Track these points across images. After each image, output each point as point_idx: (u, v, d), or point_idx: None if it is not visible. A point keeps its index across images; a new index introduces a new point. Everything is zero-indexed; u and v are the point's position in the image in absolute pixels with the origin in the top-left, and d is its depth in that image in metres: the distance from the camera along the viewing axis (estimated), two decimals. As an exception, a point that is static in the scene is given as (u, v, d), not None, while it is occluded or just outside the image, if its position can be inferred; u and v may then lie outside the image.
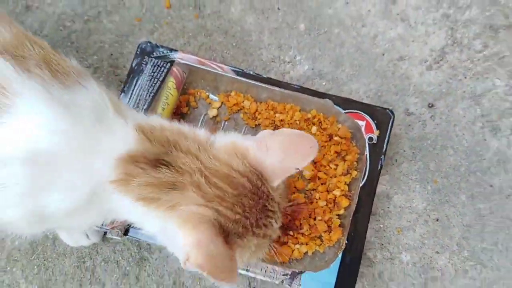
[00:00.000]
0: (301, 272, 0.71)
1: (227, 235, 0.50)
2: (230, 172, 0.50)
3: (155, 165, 0.48)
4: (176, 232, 0.48)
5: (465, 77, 0.88)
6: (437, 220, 0.81)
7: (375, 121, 0.77)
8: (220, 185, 0.49)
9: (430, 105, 0.87)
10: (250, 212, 0.51)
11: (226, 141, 0.53)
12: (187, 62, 0.81)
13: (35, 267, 0.77)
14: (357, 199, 0.74)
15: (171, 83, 0.79)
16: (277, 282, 0.70)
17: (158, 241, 0.65)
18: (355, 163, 0.79)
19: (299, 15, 0.91)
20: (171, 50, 0.81)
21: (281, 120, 0.83)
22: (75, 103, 0.51)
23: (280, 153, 0.54)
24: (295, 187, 0.80)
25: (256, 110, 0.83)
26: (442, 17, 0.91)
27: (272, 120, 0.83)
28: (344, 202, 0.77)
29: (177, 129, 0.53)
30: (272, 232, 0.57)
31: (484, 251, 0.80)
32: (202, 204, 0.48)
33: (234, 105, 0.84)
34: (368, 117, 0.78)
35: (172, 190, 0.48)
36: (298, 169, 0.55)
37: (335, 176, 0.79)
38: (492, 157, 0.84)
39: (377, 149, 0.77)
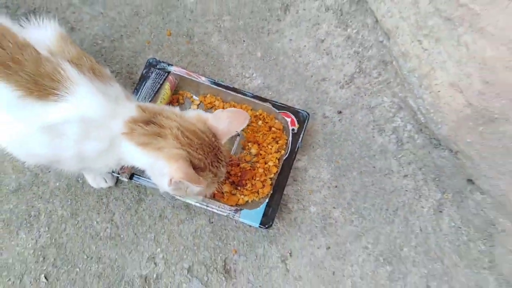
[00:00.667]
0: (241, 209, 1.12)
1: (195, 168, 0.90)
2: (196, 129, 0.90)
3: (148, 123, 0.88)
4: (163, 164, 0.87)
5: (365, 95, 1.31)
6: (336, 187, 1.23)
7: (297, 118, 1.20)
8: (190, 137, 0.89)
9: (339, 112, 1.29)
10: (207, 156, 0.91)
11: (193, 113, 0.95)
12: (179, 73, 1.23)
13: (69, 200, 1.17)
14: (281, 167, 1.16)
15: (167, 86, 1.21)
16: (225, 214, 1.11)
17: (151, 184, 1.06)
18: (284, 145, 1.21)
19: (257, 46, 1.34)
20: (169, 64, 1.23)
21: (239, 115, 1.25)
22: (107, 92, 0.91)
23: (226, 121, 0.94)
24: (244, 159, 1.22)
25: (223, 108, 1.26)
26: (354, 53, 1.34)
27: (232, 115, 1.25)
28: (274, 169, 1.18)
29: (161, 107, 0.94)
30: (220, 174, 0.96)
31: (365, 209, 1.22)
32: (179, 148, 0.88)
33: (208, 103, 1.26)
34: (293, 115, 1.20)
35: (159, 137, 0.88)
36: (237, 131, 0.96)
37: (271, 153, 1.21)
38: (377, 148, 1.27)
39: (297, 137, 1.19)
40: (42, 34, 0.97)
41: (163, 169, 0.88)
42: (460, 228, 1.21)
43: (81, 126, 0.86)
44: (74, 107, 0.84)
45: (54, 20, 1.00)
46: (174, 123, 0.89)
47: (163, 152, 0.87)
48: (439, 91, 1.08)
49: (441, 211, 1.23)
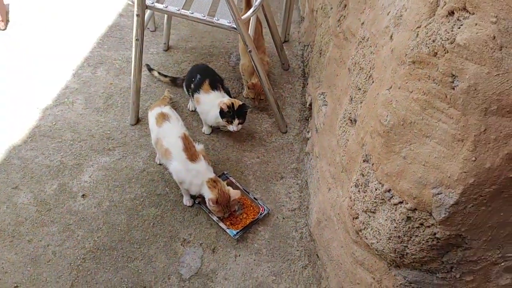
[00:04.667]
0: (229, 228, 2.96)
1: (218, 203, 2.87)
2: (225, 191, 2.92)
3: (214, 181, 2.93)
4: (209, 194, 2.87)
5: (295, 216, 3.16)
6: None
7: (265, 210, 3.10)
8: (221, 191, 2.91)
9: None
10: (224, 201, 2.89)
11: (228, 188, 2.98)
12: (232, 179, 3.28)
13: (170, 201, 3.13)
14: (250, 222, 3.01)
15: (225, 182, 3.26)
16: (223, 227, 2.95)
17: (205, 208, 3.02)
18: (256, 216, 3.08)
19: (263, 186, 3.36)
20: (229, 176, 3.30)
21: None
22: (206, 166, 3.02)
23: (234, 193, 2.97)
24: (237, 214, 3.09)
25: (241, 198, 3.22)
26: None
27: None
28: (248, 222, 3.02)
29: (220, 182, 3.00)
30: (227, 209, 2.91)
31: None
32: (216, 193, 2.88)
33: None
34: (263, 206, 3.11)
35: (214, 188, 2.89)
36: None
37: (250, 218, 3.07)
38: (291, 235, 3.04)
39: (260, 215, 3.07)
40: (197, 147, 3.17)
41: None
42: None
43: (197, 172, 2.95)
44: (198, 166, 2.94)
45: (201, 144, 3.21)
46: (220, 185, 2.89)
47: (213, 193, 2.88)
48: None
49: None
